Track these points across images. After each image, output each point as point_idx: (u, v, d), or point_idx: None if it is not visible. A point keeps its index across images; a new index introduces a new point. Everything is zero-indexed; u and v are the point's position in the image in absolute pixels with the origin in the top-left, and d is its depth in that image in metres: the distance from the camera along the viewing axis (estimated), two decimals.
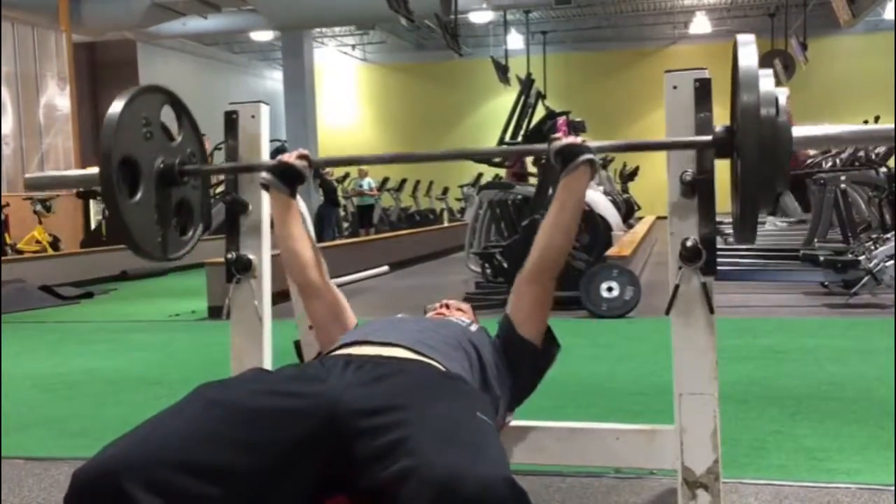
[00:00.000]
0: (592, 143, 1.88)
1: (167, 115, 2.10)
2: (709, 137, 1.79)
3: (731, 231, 9.01)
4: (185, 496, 1.27)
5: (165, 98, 2.08)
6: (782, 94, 1.61)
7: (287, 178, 1.97)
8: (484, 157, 6.90)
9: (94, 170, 1.90)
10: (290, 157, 1.99)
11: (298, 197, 2.09)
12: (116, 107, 1.86)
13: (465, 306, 2.26)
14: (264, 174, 1.99)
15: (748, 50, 1.62)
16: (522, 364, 1.92)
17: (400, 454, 1.26)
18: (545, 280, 1.95)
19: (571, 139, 1.88)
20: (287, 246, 2.00)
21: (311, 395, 1.42)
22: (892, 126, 1.70)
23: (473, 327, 1.96)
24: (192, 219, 2.17)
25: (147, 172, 1.96)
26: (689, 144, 1.86)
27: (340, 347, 1.76)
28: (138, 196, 1.93)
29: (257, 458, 1.34)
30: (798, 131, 1.67)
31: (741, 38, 1.66)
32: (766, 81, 1.58)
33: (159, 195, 2.00)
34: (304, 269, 1.98)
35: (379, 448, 1.30)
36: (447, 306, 2.20)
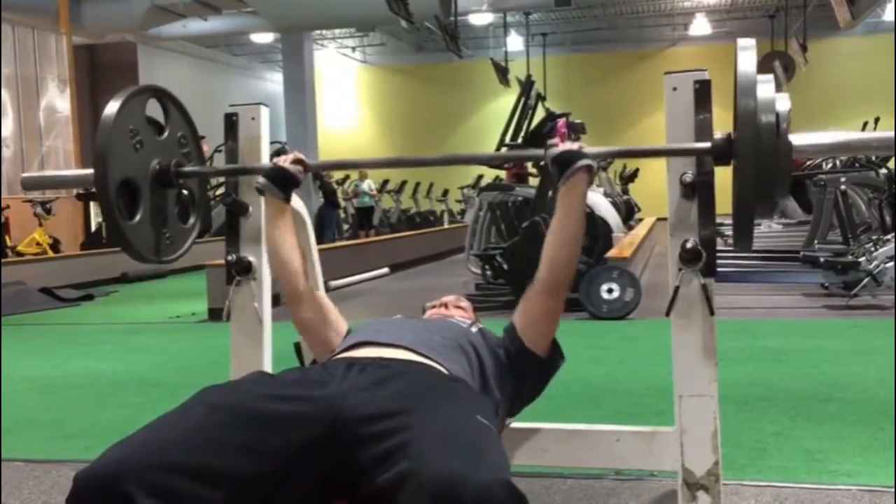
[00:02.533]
0: (590, 150, 1.86)
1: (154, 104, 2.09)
2: (707, 144, 1.77)
3: (731, 233, 9.02)
4: (187, 500, 1.27)
5: (147, 95, 2.04)
6: (783, 100, 1.58)
7: (281, 183, 1.94)
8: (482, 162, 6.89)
9: (89, 171, 1.89)
10: (284, 161, 1.97)
11: (297, 198, 2.09)
12: (104, 133, 1.83)
13: (465, 303, 2.24)
14: (259, 178, 1.96)
15: (747, 55, 1.60)
16: (525, 374, 1.89)
17: (399, 458, 1.26)
18: (559, 293, 1.89)
19: (568, 145, 1.86)
20: (277, 251, 1.96)
21: (314, 400, 1.42)
22: (893, 134, 1.67)
23: (474, 328, 1.95)
24: (192, 209, 2.18)
25: (144, 184, 1.95)
26: (687, 151, 1.85)
27: (343, 351, 1.76)
28: (138, 215, 1.93)
29: (260, 463, 1.34)
30: (798, 139, 1.63)
31: (741, 42, 1.64)
32: (766, 88, 1.55)
33: (157, 200, 2.00)
34: (293, 277, 1.94)
35: (380, 453, 1.30)
36: (446, 305, 2.19)
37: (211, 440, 1.33)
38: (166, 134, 2.07)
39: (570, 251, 1.86)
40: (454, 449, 1.26)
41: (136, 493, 1.23)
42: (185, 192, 2.16)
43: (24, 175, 2.26)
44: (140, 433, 1.35)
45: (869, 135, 1.75)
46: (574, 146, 1.85)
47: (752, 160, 1.51)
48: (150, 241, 1.97)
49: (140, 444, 1.31)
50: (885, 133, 1.71)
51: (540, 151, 1.91)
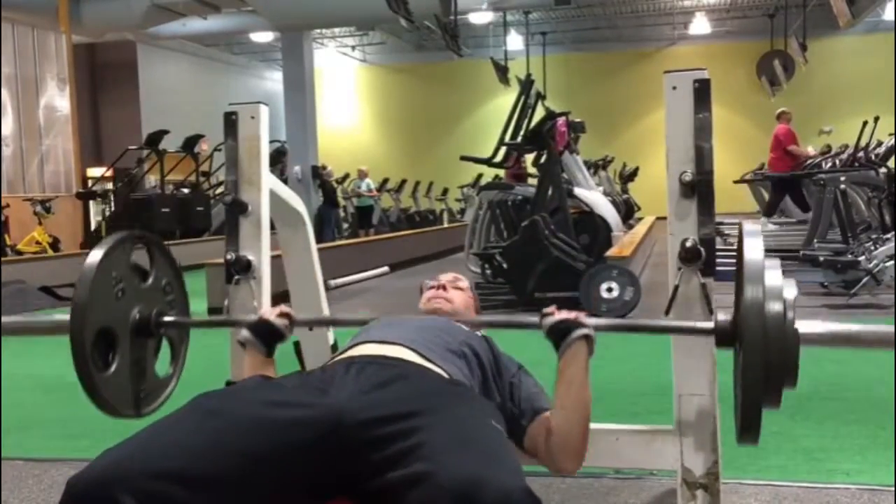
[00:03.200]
0: (589, 321, 1.76)
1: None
2: (710, 325, 1.68)
3: (730, 231, 9.02)
4: None
5: (133, 242, 1.91)
6: (790, 288, 1.50)
7: (265, 337, 1.83)
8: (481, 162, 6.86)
9: (66, 317, 1.74)
10: (270, 315, 1.86)
11: (297, 197, 2.09)
12: (83, 289, 1.71)
13: (464, 283, 2.19)
14: (242, 331, 1.85)
15: (754, 242, 1.53)
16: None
17: (413, 460, 1.25)
18: (570, 464, 1.75)
19: (565, 314, 1.75)
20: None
21: (312, 406, 1.40)
22: (892, 328, 1.56)
23: (478, 333, 1.94)
24: (173, 359, 2.04)
25: (123, 333, 1.82)
26: (690, 330, 1.79)
27: (343, 351, 1.76)
28: (114, 366, 1.79)
29: (255, 469, 1.32)
30: (805, 327, 1.51)
31: (747, 227, 1.57)
32: (773, 275, 1.48)
33: (135, 350, 1.86)
34: None
35: (391, 455, 1.29)
36: (444, 287, 2.14)
37: (206, 447, 1.32)
38: (150, 280, 1.93)
39: (579, 418, 1.73)
40: (471, 453, 1.25)
41: (126, 500, 1.22)
42: (166, 339, 2.01)
43: (4, 320, 2.04)
44: (133, 439, 1.34)
45: (874, 328, 1.63)
46: (571, 315, 1.76)
47: (760, 349, 1.43)
48: (124, 392, 1.82)
49: (132, 451, 1.30)
50: (885, 329, 1.62)
51: (535, 320, 1.77)
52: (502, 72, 16.16)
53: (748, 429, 1.48)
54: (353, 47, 23.12)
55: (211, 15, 15.23)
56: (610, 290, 5.63)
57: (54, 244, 10.66)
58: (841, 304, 5.70)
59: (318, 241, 2.72)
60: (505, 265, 6.29)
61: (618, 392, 3.58)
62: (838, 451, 2.63)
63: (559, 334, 1.73)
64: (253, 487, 1.32)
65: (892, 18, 16.43)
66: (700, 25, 20.81)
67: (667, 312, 1.90)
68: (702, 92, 1.88)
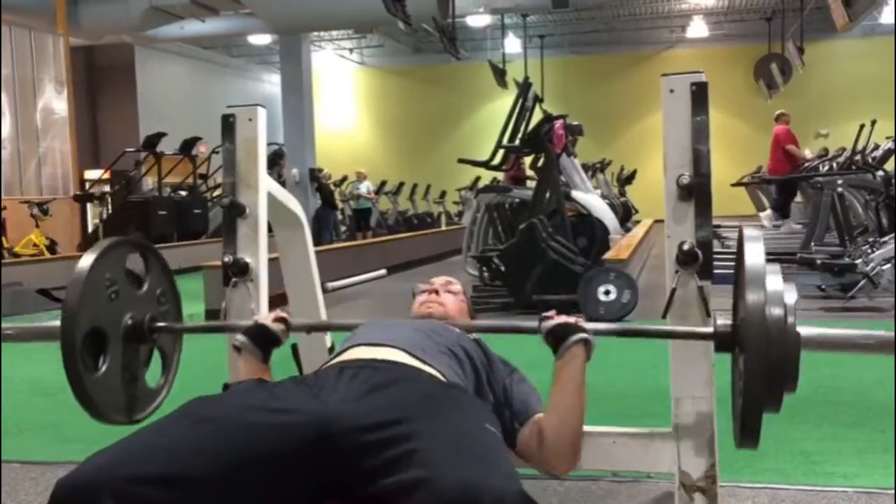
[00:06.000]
0: (588, 325, 1.77)
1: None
2: (710, 329, 1.68)
3: (727, 234, 9.03)
4: None
5: (129, 248, 1.92)
6: (791, 292, 1.50)
7: (261, 342, 1.84)
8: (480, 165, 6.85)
9: (56, 323, 1.73)
10: (266, 320, 1.87)
11: (294, 200, 2.09)
12: (74, 288, 1.71)
13: (457, 287, 2.18)
14: (238, 336, 1.85)
15: (755, 247, 1.53)
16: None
17: (407, 465, 1.25)
18: (563, 465, 1.79)
19: (563, 319, 1.76)
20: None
21: (303, 412, 1.39)
22: (892, 335, 1.57)
23: (471, 336, 1.94)
24: (164, 368, 2.04)
25: (114, 336, 1.82)
26: (689, 335, 1.81)
27: (336, 355, 1.75)
28: (104, 368, 1.79)
29: (245, 475, 1.32)
30: (806, 331, 1.51)
31: (748, 233, 1.58)
32: (774, 280, 1.48)
33: (127, 355, 1.85)
34: None
35: (385, 461, 1.28)
36: (437, 291, 2.13)
37: (195, 452, 1.31)
38: (145, 288, 1.94)
39: (572, 422, 1.74)
40: (467, 458, 1.25)
41: (109, 503, 1.22)
42: (158, 347, 2.01)
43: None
44: (121, 443, 1.34)
45: (875, 333, 1.64)
46: (570, 319, 1.76)
47: (762, 354, 1.43)
48: (114, 396, 1.81)
49: (119, 455, 1.30)
50: (885, 335, 1.61)
51: (534, 325, 1.79)
52: (500, 75, 16.17)
53: (749, 434, 1.48)
54: (351, 50, 23.15)
55: (209, 17, 15.25)
56: (607, 292, 5.63)
57: (51, 246, 10.64)
58: (838, 308, 5.71)
59: (316, 243, 2.71)
60: (503, 268, 6.29)
61: (615, 395, 3.58)
62: (836, 455, 2.63)
63: (557, 338, 1.74)
64: (239, 492, 1.32)
65: (890, 22, 16.46)
66: (697, 29, 20.85)
67: (664, 315, 1.89)
68: (699, 95, 1.89)
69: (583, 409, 1.75)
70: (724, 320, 1.64)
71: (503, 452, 1.35)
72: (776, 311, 1.45)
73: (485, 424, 1.40)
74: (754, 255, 1.52)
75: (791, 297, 1.49)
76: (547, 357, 1.79)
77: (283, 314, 1.91)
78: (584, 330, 1.75)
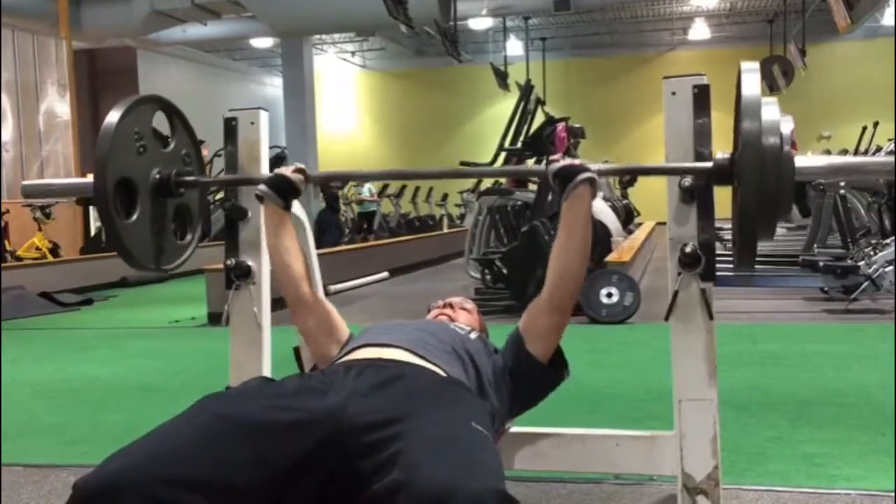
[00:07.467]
0: (591, 166, 1.86)
1: (160, 119, 2.09)
2: (709, 164, 1.77)
3: (730, 237, 9.02)
4: None
5: (156, 106, 2.06)
6: (787, 122, 1.57)
7: (282, 191, 1.96)
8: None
9: (89, 179, 1.89)
10: (286, 171, 1.99)
11: (297, 203, 2.09)
12: (107, 131, 1.83)
13: (470, 305, 2.23)
14: (260, 186, 1.98)
15: (751, 77, 1.58)
16: (524, 379, 1.89)
17: (392, 467, 1.26)
18: (566, 307, 1.90)
19: (569, 160, 1.86)
20: (279, 259, 1.97)
21: (315, 410, 1.41)
22: (892, 159, 1.67)
23: (473, 335, 1.95)
24: (190, 225, 2.17)
25: (143, 188, 1.96)
26: (688, 171, 1.85)
27: (343, 355, 1.76)
28: (135, 216, 1.92)
29: (261, 474, 1.33)
30: (800, 161, 1.63)
31: (745, 65, 1.62)
32: (770, 110, 1.54)
33: (155, 208, 2.00)
34: (296, 283, 1.95)
35: (377, 462, 1.30)
36: (451, 305, 2.18)
37: (212, 451, 1.33)
38: (171, 147, 2.08)
39: (577, 262, 1.86)
40: (447, 458, 1.25)
41: None
42: (186, 196, 2.15)
43: (25, 183, 2.24)
44: (141, 443, 1.34)
45: (868, 159, 1.78)
46: (576, 161, 1.86)
47: (756, 181, 1.49)
48: (145, 245, 1.95)
49: (141, 456, 1.30)
50: (884, 158, 1.73)
51: (542, 168, 1.92)
52: (502, 77, 16.18)
53: (746, 255, 1.59)
54: (353, 53, 23.17)
55: (211, 21, 15.27)
56: (610, 295, 5.63)
57: (54, 250, 10.65)
58: (841, 310, 5.70)
59: (319, 246, 2.72)
60: (505, 270, 6.30)
61: (618, 397, 3.57)
62: (839, 457, 2.62)
63: (564, 178, 1.83)
64: (259, 491, 1.33)
65: (891, 24, 16.46)
66: (699, 31, 20.85)
67: (667, 318, 1.90)
68: (701, 97, 1.89)
69: (588, 246, 1.86)
70: (723, 153, 1.72)
71: (487, 451, 1.34)
72: (772, 140, 1.51)
73: (471, 423, 1.40)
74: (751, 86, 1.57)
75: (787, 127, 1.55)
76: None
77: (302, 166, 2.03)
78: (588, 170, 1.83)
